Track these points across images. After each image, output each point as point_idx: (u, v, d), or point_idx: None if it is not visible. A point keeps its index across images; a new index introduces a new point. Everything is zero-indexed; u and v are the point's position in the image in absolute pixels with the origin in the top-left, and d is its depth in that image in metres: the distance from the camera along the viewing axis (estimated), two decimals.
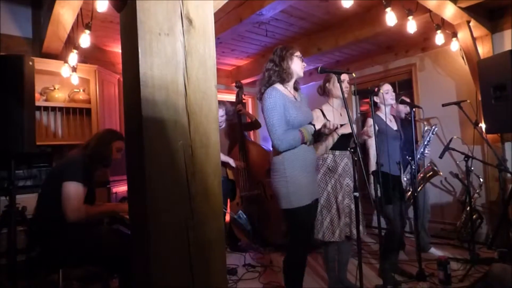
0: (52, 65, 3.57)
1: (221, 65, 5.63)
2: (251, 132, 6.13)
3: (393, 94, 2.96)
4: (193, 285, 1.05)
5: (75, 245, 2.13)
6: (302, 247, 2.19)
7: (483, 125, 3.52)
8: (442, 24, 3.58)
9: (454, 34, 3.72)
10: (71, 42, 3.46)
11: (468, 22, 3.51)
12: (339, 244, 2.62)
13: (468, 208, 3.47)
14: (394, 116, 3.12)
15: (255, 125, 4.26)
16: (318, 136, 2.32)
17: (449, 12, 3.28)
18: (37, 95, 3.45)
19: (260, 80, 2.26)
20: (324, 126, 2.27)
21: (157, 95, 1.02)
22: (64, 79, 3.63)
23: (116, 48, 4.56)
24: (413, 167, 2.89)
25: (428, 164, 3.95)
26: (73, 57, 3.41)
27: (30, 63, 2.00)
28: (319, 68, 2.13)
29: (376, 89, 2.80)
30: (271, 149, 2.25)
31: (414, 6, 3.18)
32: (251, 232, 4.00)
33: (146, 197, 1.00)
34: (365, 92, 3.22)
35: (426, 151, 3.63)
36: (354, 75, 2.26)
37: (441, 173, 3.94)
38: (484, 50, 3.78)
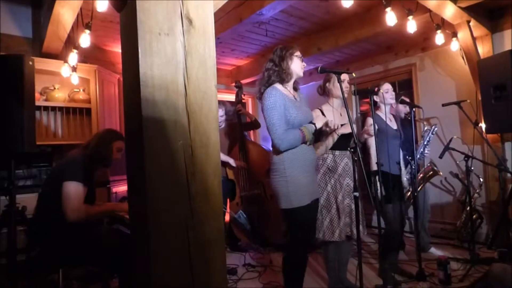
0: (52, 65, 3.57)
1: (221, 65, 5.63)
2: (251, 132, 6.14)
3: (393, 93, 2.96)
4: (193, 285, 1.05)
5: (75, 245, 2.13)
6: (302, 247, 2.19)
7: (483, 125, 3.52)
8: (442, 24, 3.58)
9: (454, 34, 3.72)
10: (71, 42, 3.45)
11: (468, 22, 3.51)
12: (339, 244, 2.62)
13: (468, 208, 3.47)
14: (394, 116, 3.12)
15: (255, 125, 4.26)
16: (319, 136, 2.32)
17: (449, 12, 3.28)
18: (37, 95, 3.45)
19: (260, 80, 2.27)
20: (326, 124, 2.26)
21: (157, 95, 1.02)
22: (64, 79, 3.63)
23: (116, 48, 4.56)
24: (413, 167, 2.89)
25: (428, 164, 3.95)
26: (73, 57, 3.41)
27: (30, 62, 2.00)
28: (319, 68, 2.13)
29: (376, 89, 2.80)
30: (271, 149, 2.25)
31: (414, 6, 3.18)
32: (250, 231, 4.00)
33: (146, 197, 1.00)
34: (365, 92, 3.22)
35: (426, 151, 3.63)
36: (354, 75, 2.26)
37: (441, 173, 3.94)
38: (484, 50, 3.78)
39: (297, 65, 2.22)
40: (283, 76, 2.19)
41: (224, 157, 3.90)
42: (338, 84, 2.21)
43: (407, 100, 3.15)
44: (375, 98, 2.87)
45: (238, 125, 4.16)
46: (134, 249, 1.13)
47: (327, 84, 2.70)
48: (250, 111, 6.40)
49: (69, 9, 2.88)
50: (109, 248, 2.17)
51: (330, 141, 2.54)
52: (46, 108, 3.60)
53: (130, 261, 1.61)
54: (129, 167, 1.12)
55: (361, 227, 2.56)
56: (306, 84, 5.84)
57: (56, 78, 3.65)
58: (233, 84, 4.46)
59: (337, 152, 2.60)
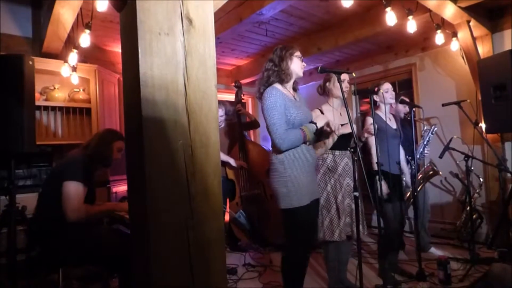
0: (52, 64, 3.57)
1: (221, 64, 5.63)
2: (251, 132, 6.14)
3: (393, 93, 2.96)
4: (193, 285, 1.05)
5: (75, 244, 2.13)
6: (301, 247, 2.19)
7: (483, 125, 3.52)
8: (442, 24, 3.58)
9: (454, 34, 3.72)
10: (71, 42, 3.45)
11: (468, 21, 3.51)
12: (339, 244, 2.62)
13: (468, 208, 3.47)
14: (393, 115, 3.12)
15: (254, 124, 4.27)
16: (319, 136, 2.32)
17: (449, 11, 3.28)
18: (37, 94, 3.45)
19: (259, 80, 2.26)
20: (327, 124, 2.26)
21: (157, 95, 1.02)
22: (64, 79, 3.63)
23: (116, 48, 4.56)
24: (413, 167, 2.89)
25: (428, 164, 3.96)
26: (73, 56, 3.41)
27: (30, 62, 2.00)
28: (319, 68, 2.13)
29: (376, 89, 2.80)
30: (271, 149, 2.25)
31: (414, 6, 3.18)
32: (250, 231, 4.00)
33: (146, 197, 1.00)
34: (365, 91, 3.22)
35: (425, 151, 3.63)
36: (354, 74, 2.26)
37: (440, 173, 3.94)
38: (484, 49, 3.78)
39: (296, 65, 2.21)
40: (282, 77, 2.18)
41: (224, 157, 3.90)
42: (338, 84, 2.21)
43: (407, 100, 3.15)
44: (375, 97, 2.87)
45: (238, 125, 4.16)
46: (134, 249, 1.13)
47: (327, 84, 2.70)
48: (250, 111, 6.41)
49: (69, 9, 2.88)
50: (109, 248, 2.18)
51: (330, 141, 2.54)
52: (46, 108, 3.60)
53: (130, 261, 1.61)
54: (129, 167, 1.12)
55: (361, 227, 2.57)
56: (306, 84, 5.85)
57: (56, 78, 3.65)
58: (233, 84, 4.47)
59: (337, 152, 2.60)
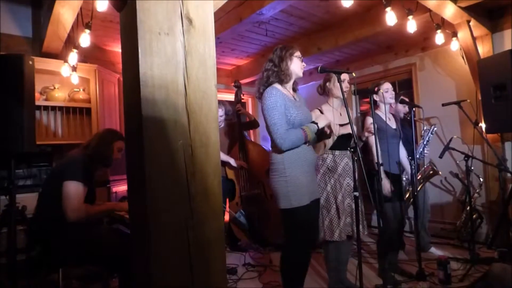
0: (52, 64, 3.57)
1: (221, 64, 5.63)
2: (251, 132, 6.14)
3: (393, 93, 2.96)
4: (193, 285, 1.05)
5: (75, 244, 2.13)
6: (301, 247, 2.18)
7: (483, 125, 3.52)
8: (442, 24, 3.58)
9: (454, 34, 3.72)
10: (71, 42, 3.45)
11: (468, 21, 3.51)
12: (339, 243, 2.62)
13: (468, 208, 3.48)
14: (393, 115, 3.12)
15: (254, 124, 4.28)
16: (320, 136, 2.31)
17: (449, 11, 3.28)
18: (37, 94, 3.45)
19: (259, 80, 2.26)
20: (329, 126, 2.25)
21: (157, 94, 1.02)
22: (64, 79, 3.63)
23: (116, 48, 4.56)
24: (413, 167, 2.89)
25: (428, 164, 3.96)
26: (73, 56, 3.41)
27: (30, 62, 2.00)
28: (319, 68, 2.12)
29: (376, 88, 2.80)
30: (270, 148, 2.25)
31: (414, 6, 3.18)
32: (250, 231, 4.00)
33: (146, 197, 1.00)
34: (365, 91, 3.22)
35: (425, 151, 3.63)
36: (354, 74, 2.26)
37: (440, 173, 3.94)
38: (484, 49, 3.78)
39: (296, 66, 2.21)
40: (282, 77, 2.18)
41: (224, 157, 3.90)
42: (338, 84, 2.20)
43: (407, 99, 3.15)
44: (375, 97, 2.87)
45: (238, 125, 4.16)
46: (134, 249, 1.13)
47: (327, 84, 2.70)
48: (250, 111, 6.41)
49: (69, 9, 2.88)
50: (109, 247, 2.18)
51: (329, 141, 2.54)
52: (46, 107, 3.60)
53: (130, 261, 1.61)
54: (129, 167, 1.13)
55: (361, 227, 2.56)
56: (306, 84, 5.85)
57: (56, 77, 3.65)
58: (233, 84, 4.47)
59: (337, 152, 2.60)
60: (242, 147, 4.15)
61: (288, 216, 2.14)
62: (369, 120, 2.70)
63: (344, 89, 2.35)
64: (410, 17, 3.17)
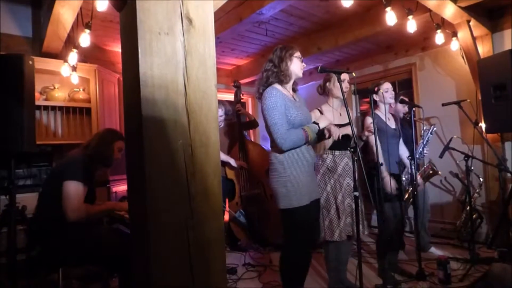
0: (52, 64, 3.57)
1: (221, 64, 5.63)
2: (251, 132, 6.14)
3: (393, 93, 2.96)
4: (193, 285, 1.05)
5: (75, 244, 2.13)
6: (301, 247, 2.18)
7: (483, 125, 3.52)
8: (442, 24, 3.58)
9: (454, 34, 3.72)
10: (71, 42, 3.45)
11: (468, 21, 3.51)
12: (339, 243, 2.61)
13: (468, 208, 3.48)
14: (392, 115, 3.12)
15: (253, 124, 4.28)
16: (321, 136, 2.31)
17: (449, 11, 3.28)
18: (37, 94, 3.45)
19: (259, 80, 2.26)
20: (328, 130, 2.25)
21: (157, 94, 1.02)
22: (64, 79, 3.62)
23: (116, 48, 4.56)
24: (413, 167, 2.88)
25: (427, 164, 3.95)
26: (73, 56, 3.41)
27: (30, 62, 2.00)
28: (319, 68, 2.12)
29: (376, 88, 2.80)
30: (270, 148, 2.25)
31: (414, 6, 3.18)
32: (249, 231, 4.00)
33: (146, 197, 1.00)
34: (365, 91, 3.22)
35: (425, 151, 3.63)
36: (354, 74, 2.25)
37: (440, 173, 3.94)
38: (484, 49, 3.78)
39: (296, 66, 2.21)
40: (281, 77, 2.17)
41: (224, 157, 3.90)
42: (338, 84, 2.20)
43: (407, 99, 3.15)
44: (375, 97, 2.87)
45: (238, 125, 4.16)
46: (134, 249, 1.13)
47: (327, 84, 2.70)
48: (250, 111, 6.41)
49: (69, 9, 2.88)
50: (109, 247, 2.18)
51: (329, 141, 2.54)
52: (46, 107, 3.60)
53: (130, 260, 1.61)
54: (129, 166, 1.12)
55: (361, 226, 2.56)
56: (306, 84, 5.85)
57: (56, 77, 3.65)
58: (232, 84, 4.47)
59: (336, 152, 2.60)
60: (242, 147, 4.15)
61: (288, 216, 2.13)
62: (369, 120, 2.70)
63: (344, 89, 2.35)
64: (410, 17, 3.17)
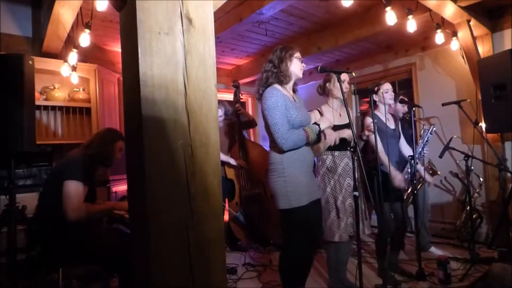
0: (52, 64, 3.57)
1: (221, 64, 5.63)
2: (250, 132, 6.15)
3: (392, 94, 2.96)
4: (193, 285, 1.05)
5: (75, 244, 2.13)
6: (300, 248, 2.17)
7: (483, 125, 3.52)
8: (442, 23, 3.58)
9: (454, 33, 3.72)
10: (71, 41, 3.45)
11: (468, 21, 3.51)
12: (339, 243, 2.61)
13: (468, 208, 3.47)
14: (392, 115, 3.12)
15: (252, 123, 4.29)
16: (318, 138, 2.30)
17: (449, 11, 3.28)
18: (37, 94, 3.44)
19: (258, 81, 2.26)
20: (325, 134, 2.24)
21: (157, 94, 1.02)
22: (64, 78, 3.62)
23: (116, 47, 4.55)
24: (413, 167, 2.88)
25: (427, 164, 3.95)
26: (73, 56, 3.41)
27: (30, 62, 2.00)
28: (319, 68, 2.12)
29: (376, 88, 2.80)
30: (269, 148, 2.25)
31: (414, 5, 3.18)
32: (249, 231, 4.00)
33: (146, 197, 1.00)
34: (365, 91, 3.22)
35: (424, 151, 3.63)
36: (354, 74, 2.25)
37: (439, 173, 3.94)
38: (484, 49, 3.78)
39: (296, 67, 2.20)
40: (281, 78, 2.17)
41: (224, 157, 3.90)
42: (338, 84, 2.20)
43: (406, 99, 3.15)
44: (375, 97, 2.87)
45: (238, 124, 4.16)
46: (134, 249, 1.13)
47: (327, 84, 2.69)
48: (250, 111, 6.42)
49: (69, 9, 2.88)
50: (109, 247, 2.18)
51: (325, 145, 2.53)
52: (46, 107, 3.60)
53: (130, 260, 1.61)
54: (129, 166, 1.12)
55: (364, 226, 2.56)
56: (305, 84, 5.85)
57: (56, 77, 3.65)
58: (232, 84, 4.47)
59: (336, 153, 2.59)
60: (242, 147, 4.15)
61: (287, 216, 2.13)
62: (369, 119, 2.70)
63: (344, 90, 2.35)
64: (410, 16, 3.18)
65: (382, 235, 2.81)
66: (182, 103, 1.07)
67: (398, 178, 2.73)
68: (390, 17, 3.04)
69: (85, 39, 3.16)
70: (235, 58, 5.38)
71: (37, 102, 3.17)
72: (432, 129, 3.74)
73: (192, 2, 1.11)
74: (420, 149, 3.62)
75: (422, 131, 3.77)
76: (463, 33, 3.61)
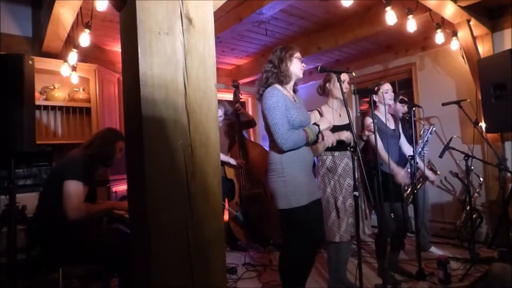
0: (52, 64, 3.57)
1: (221, 64, 5.63)
2: (250, 131, 6.15)
3: (392, 94, 2.96)
4: (193, 284, 1.05)
5: (75, 244, 2.13)
6: (299, 248, 2.17)
7: (483, 124, 3.52)
8: (442, 23, 3.58)
9: (454, 33, 3.71)
10: (71, 41, 3.45)
11: (468, 21, 3.51)
12: (339, 243, 2.61)
13: (468, 208, 3.47)
14: (392, 115, 3.12)
15: (252, 123, 4.29)
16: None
17: (449, 11, 3.27)
18: (37, 94, 3.44)
19: (259, 81, 2.26)
20: (323, 136, 2.24)
21: (156, 94, 1.02)
22: (64, 78, 3.62)
23: (116, 47, 4.55)
24: (413, 166, 2.88)
25: (427, 164, 3.95)
26: (73, 56, 3.41)
27: (30, 62, 2.00)
28: (319, 67, 2.12)
29: (376, 88, 2.80)
30: (268, 148, 2.25)
31: (414, 5, 3.18)
32: (249, 231, 4.01)
33: (146, 197, 1.00)
34: (365, 91, 3.22)
35: (424, 151, 3.63)
36: (353, 74, 2.25)
37: (438, 173, 3.94)
38: (484, 49, 3.78)
39: (296, 67, 2.20)
40: (281, 78, 2.17)
41: (224, 157, 3.90)
42: (338, 84, 2.20)
43: (406, 99, 3.15)
44: (374, 97, 2.86)
45: (237, 124, 4.16)
46: (134, 249, 1.13)
47: (327, 85, 2.69)
48: (250, 110, 6.42)
49: (69, 9, 2.88)
50: (109, 247, 2.18)
51: (322, 146, 2.53)
52: (46, 107, 3.60)
53: (130, 260, 1.61)
54: (129, 166, 1.12)
55: (365, 226, 2.56)
56: (305, 84, 5.84)
57: (56, 77, 3.65)
58: (231, 83, 4.47)
59: (336, 153, 2.59)
60: (242, 147, 4.15)
61: (287, 216, 2.13)
62: (369, 120, 2.70)
63: (344, 90, 2.35)
64: (410, 16, 3.17)
65: (382, 235, 2.81)
66: (182, 103, 1.07)
67: (401, 174, 2.73)
68: (390, 17, 3.04)
69: (85, 39, 3.16)
70: (235, 58, 5.38)
71: (37, 102, 3.17)
72: (432, 129, 3.74)
73: (192, 2, 1.11)
74: (420, 149, 3.62)
75: (422, 131, 3.77)
76: (463, 33, 3.61)
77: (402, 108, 3.51)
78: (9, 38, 3.58)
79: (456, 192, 4.29)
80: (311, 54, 4.56)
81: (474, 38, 3.62)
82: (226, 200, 4.12)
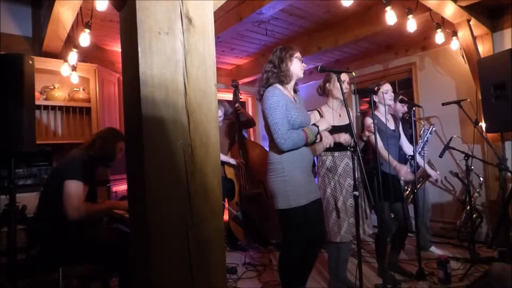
0: (52, 64, 3.57)
1: (221, 64, 5.63)
2: (250, 131, 6.14)
3: (392, 94, 2.96)
4: (193, 284, 1.05)
5: (75, 244, 2.14)
6: (299, 247, 2.17)
7: (483, 124, 3.52)
8: (442, 23, 3.58)
9: (454, 33, 3.71)
10: (71, 41, 3.45)
11: (468, 21, 3.51)
12: (339, 243, 2.61)
13: (468, 207, 3.48)
14: (392, 115, 3.12)
15: (251, 123, 4.29)
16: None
17: (449, 11, 3.27)
18: (37, 94, 3.44)
19: (259, 81, 2.26)
20: (321, 136, 2.24)
21: (156, 94, 1.02)
22: (64, 78, 3.62)
23: (116, 47, 4.56)
24: (413, 166, 2.88)
25: (426, 164, 3.95)
26: (73, 56, 3.41)
27: (30, 62, 2.00)
28: (319, 67, 2.12)
29: (376, 88, 2.80)
30: (268, 148, 2.25)
31: (414, 5, 3.18)
32: (248, 230, 4.00)
33: (146, 197, 1.00)
34: (365, 90, 3.22)
35: (424, 150, 3.63)
36: (353, 74, 2.25)
37: (438, 173, 3.93)
38: (484, 49, 3.78)
39: (296, 67, 2.20)
40: (282, 78, 2.17)
41: (224, 157, 3.90)
42: (338, 84, 2.20)
43: (406, 99, 3.15)
44: (374, 98, 2.86)
45: (237, 124, 4.16)
46: (134, 249, 1.13)
47: (327, 85, 2.69)
48: (250, 111, 6.42)
49: (69, 9, 2.88)
50: (109, 247, 2.18)
51: (321, 147, 2.53)
52: (46, 107, 3.60)
53: (130, 260, 1.61)
54: (129, 166, 1.12)
55: (366, 226, 2.56)
56: (305, 84, 5.84)
57: (56, 77, 3.65)
58: (231, 83, 4.47)
59: (336, 153, 2.59)
60: (242, 147, 4.15)
61: (287, 216, 2.13)
62: (369, 120, 2.70)
63: (344, 90, 2.35)
64: (410, 16, 3.18)
65: (382, 235, 2.80)
66: (182, 103, 1.07)
67: (403, 170, 2.72)
68: (390, 16, 3.04)
69: (85, 39, 3.16)
70: (235, 58, 5.38)
71: (37, 102, 3.17)
72: (432, 129, 3.75)
73: (192, 1, 1.11)
74: (420, 149, 3.62)
75: (422, 131, 3.78)
76: (463, 33, 3.61)
77: (402, 108, 3.51)
78: (9, 38, 3.58)
79: (456, 192, 4.29)
80: (311, 54, 4.56)
81: (474, 38, 3.62)
82: (226, 199, 4.12)
